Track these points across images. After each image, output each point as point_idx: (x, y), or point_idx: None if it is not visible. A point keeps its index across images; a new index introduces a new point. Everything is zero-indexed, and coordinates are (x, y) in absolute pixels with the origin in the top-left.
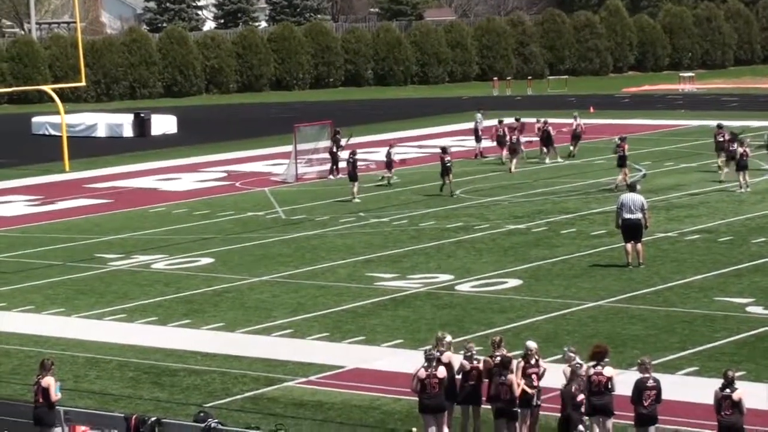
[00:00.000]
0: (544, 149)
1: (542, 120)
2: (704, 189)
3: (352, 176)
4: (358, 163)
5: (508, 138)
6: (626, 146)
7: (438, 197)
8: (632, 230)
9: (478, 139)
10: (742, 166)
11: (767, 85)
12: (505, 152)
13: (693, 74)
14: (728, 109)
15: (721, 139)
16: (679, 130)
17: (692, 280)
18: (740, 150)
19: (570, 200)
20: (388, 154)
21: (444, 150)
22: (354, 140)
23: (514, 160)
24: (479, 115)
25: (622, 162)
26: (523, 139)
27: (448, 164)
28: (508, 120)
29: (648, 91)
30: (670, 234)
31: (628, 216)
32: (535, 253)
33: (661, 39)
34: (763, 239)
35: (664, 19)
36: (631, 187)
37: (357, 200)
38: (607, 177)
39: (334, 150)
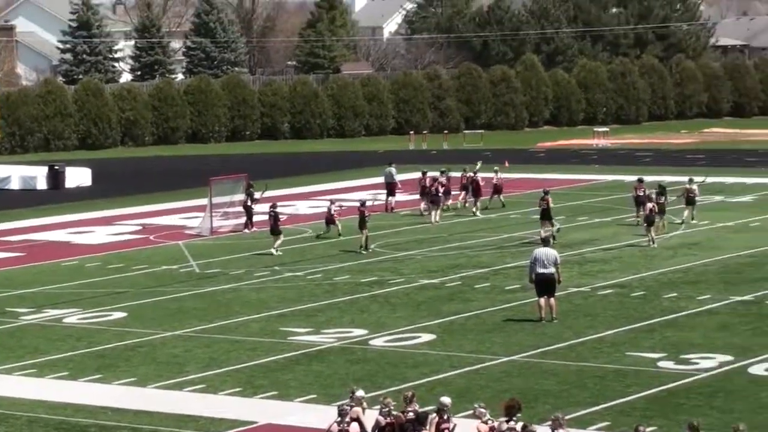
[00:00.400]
0: (471, 199)
1: (470, 172)
2: (617, 244)
3: (274, 230)
4: (280, 216)
5: (431, 189)
6: (550, 200)
7: (352, 252)
8: (545, 285)
9: (390, 193)
10: (650, 221)
11: (680, 140)
12: (423, 204)
13: (607, 129)
14: (642, 164)
15: (641, 194)
16: (593, 185)
17: (605, 335)
18: (650, 205)
19: (484, 254)
20: (329, 210)
21: (362, 203)
22: (269, 193)
23: (437, 212)
24: (392, 169)
25: (545, 215)
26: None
27: (366, 218)
28: (433, 173)
29: (563, 145)
30: (583, 288)
31: (541, 270)
32: (449, 308)
33: (576, 94)
34: (674, 294)
35: (579, 74)
36: (545, 242)
37: (279, 253)
38: (522, 231)
39: (248, 203)
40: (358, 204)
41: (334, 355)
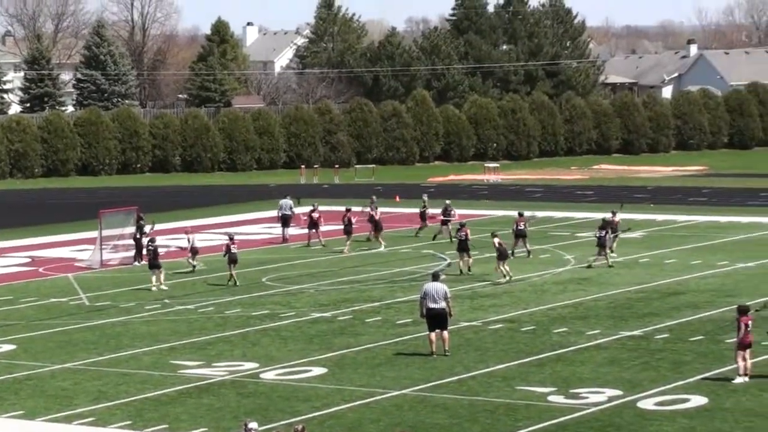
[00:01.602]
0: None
1: (371, 205)
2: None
3: (153, 264)
4: (159, 250)
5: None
6: (468, 231)
7: (244, 285)
8: (437, 319)
9: (285, 225)
10: (503, 256)
11: (570, 176)
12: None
13: (498, 165)
14: (532, 199)
15: (522, 227)
16: (482, 220)
17: (495, 369)
18: (496, 240)
19: (376, 288)
20: (191, 241)
21: (231, 238)
22: (160, 226)
23: (348, 243)
24: (289, 201)
25: (463, 246)
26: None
27: (233, 251)
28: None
29: (453, 180)
30: (473, 323)
31: (432, 305)
32: (340, 342)
33: (466, 130)
34: (564, 329)
35: (469, 110)
36: (435, 276)
37: (163, 288)
38: (413, 265)
39: (138, 236)
40: (226, 239)
41: (225, 388)
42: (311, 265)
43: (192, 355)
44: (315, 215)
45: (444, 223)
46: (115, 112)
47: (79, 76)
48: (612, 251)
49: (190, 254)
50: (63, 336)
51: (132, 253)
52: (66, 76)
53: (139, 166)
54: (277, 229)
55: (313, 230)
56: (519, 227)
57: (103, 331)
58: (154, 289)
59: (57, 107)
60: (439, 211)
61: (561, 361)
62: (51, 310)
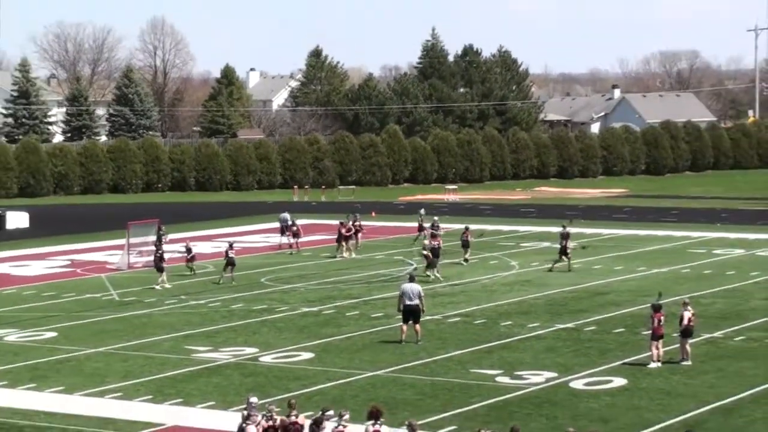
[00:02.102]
0: (344, 245)
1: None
2: (462, 280)
3: (159, 268)
4: (166, 256)
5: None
6: (469, 233)
7: (246, 284)
8: (411, 314)
9: (282, 233)
10: (432, 264)
11: (515, 196)
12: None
13: (456, 187)
14: (484, 215)
15: (466, 238)
16: (444, 232)
17: (453, 355)
18: (424, 252)
19: (355, 288)
20: (190, 250)
21: (230, 245)
22: (176, 235)
23: (347, 249)
24: (286, 215)
25: (465, 245)
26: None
27: (231, 256)
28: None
29: (419, 199)
30: (435, 317)
31: (408, 302)
32: (325, 331)
33: (430, 158)
34: (510, 322)
35: (432, 142)
36: (411, 278)
37: (167, 286)
38: (386, 269)
39: (158, 243)
40: (226, 246)
41: (230, 369)
42: (302, 268)
43: (203, 341)
44: (344, 229)
45: (433, 236)
46: (140, 141)
47: (111, 111)
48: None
49: (189, 261)
50: (96, 325)
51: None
52: (100, 112)
53: (160, 185)
54: (275, 238)
55: (351, 241)
56: (464, 238)
57: (129, 322)
58: (158, 287)
59: (93, 137)
60: (427, 225)
61: (507, 348)
62: (87, 303)
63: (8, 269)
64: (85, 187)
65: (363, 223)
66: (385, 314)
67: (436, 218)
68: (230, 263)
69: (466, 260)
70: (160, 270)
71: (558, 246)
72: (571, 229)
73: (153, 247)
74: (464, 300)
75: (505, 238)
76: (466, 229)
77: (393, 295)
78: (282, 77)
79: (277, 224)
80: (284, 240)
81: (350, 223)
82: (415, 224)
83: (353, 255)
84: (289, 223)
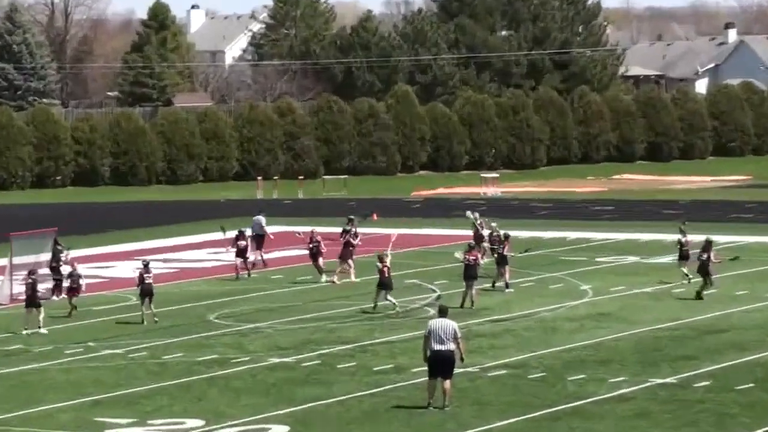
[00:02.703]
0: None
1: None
2: (510, 314)
3: (32, 302)
4: (39, 286)
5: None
6: (508, 244)
7: (187, 325)
8: (442, 364)
9: (258, 246)
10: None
11: (585, 188)
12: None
13: (497, 175)
14: (539, 216)
15: (503, 252)
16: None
17: (496, 426)
18: (380, 265)
19: (349, 327)
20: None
21: (146, 265)
22: (82, 252)
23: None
24: (261, 219)
25: (502, 260)
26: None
27: (147, 282)
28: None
29: (443, 194)
30: (469, 369)
31: (438, 347)
32: (305, 393)
33: (459, 132)
34: (581, 376)
35: (462, 109)
36: (442, 312)
37: (42, 332)
38: (397, 298)
39: (54, 264)
40: (141, 267)
41: None
42: (269, 298)
43: (122, 410)
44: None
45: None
46: (30, 112)
47: None
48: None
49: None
50: None
51: (49, 284)
52: None
53: (59, 178)
54: (229, 255)
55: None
56: (501, 251)
57: (10, 382)
58: (26, 332)
59: None
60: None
61: (578, 415)
62: None
63: None
64: None
65: (359, 230)
66: (395, 366)
67: (494, 224)
68: (146, 293)
69: (506, 285)
70: (34, 305)
71: (676, 260)
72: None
73: (46, 270)
74: (512, 343)
75: (572, 251)
76: (505, 238)
77: (404, 338)
78: (239, 18)
79: (246, 231)
80: (256, 257)
81: (353, 230)
82: (443, 232)
83: (352, 278)
84: (263, 232)
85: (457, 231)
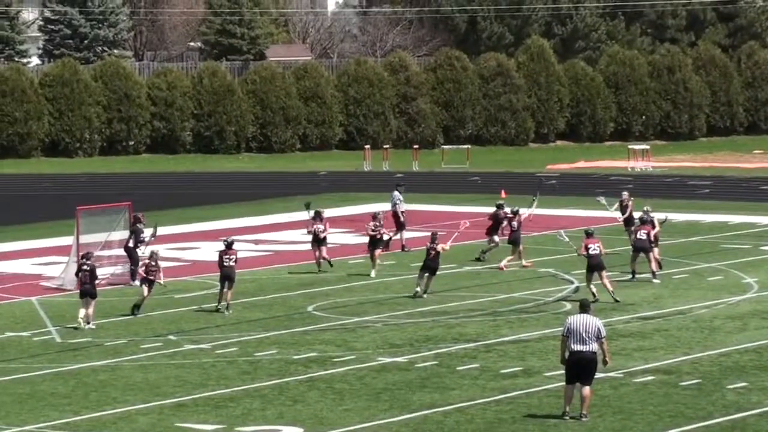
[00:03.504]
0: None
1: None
2: (661, 311)
3: (87, 292)
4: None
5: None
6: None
7: (282, 317)
8: (583, 367)
9: (400, 226)
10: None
11: (752, 164)
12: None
13: (648, 147)
14: (697, 196)
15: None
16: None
17: None
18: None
19: (471, 323)
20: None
21: (228, 245)
22: (163, 231)
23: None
24: (399, 195)
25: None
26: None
27: (228, 264)
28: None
29: (583, 168)
30: (612, 374)
31: (579, 348)
32: (420, 399)
33: (603, 96)
34: (743, 384)
35: (607, 68)
36: (584, 307)
37: (91, 326)
38: (523, 291)
39: (132, 245)
40: (222, 248)
41: None
42: (378, 287)
43: (207, 415)
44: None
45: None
46: (98, 66)
47: (47, 14)
48: None
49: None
50: (23, 386)
51: (124, 268)
52: (29, 15)
53: (132, 143)
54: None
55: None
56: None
57: (80, 380)
58: (90, 326)
59: (15, 59)
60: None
61: (737, 429)
62: (5, 348)
63: None
64: (2, 147)
65: (482, 210)
66: (525, 368)
67: (647, 207)
68: (226, 277)
69: (653, 274)
70: (89, 295)
71: None
72: None
73: (121, 251)
74: (663, 344)
75: (734, 237)
76: (661, 223)
77: (536, 336)
78: None
79: (366, 210)
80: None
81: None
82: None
83: (523, 262)
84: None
85: (600, 212)
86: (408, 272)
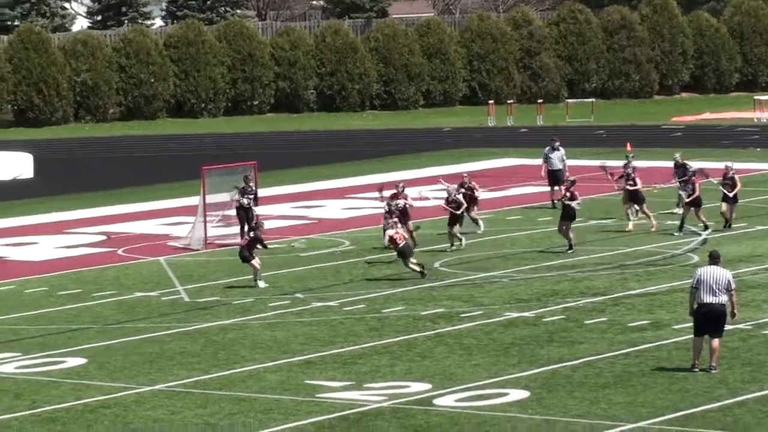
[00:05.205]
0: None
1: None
2: None
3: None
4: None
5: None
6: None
7: (410, 273)
8: (712, 319)
9: (556, 182)
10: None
11: None
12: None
13: None
14: None
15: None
16: (753, 177)
17: None
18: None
19: (598, 277)
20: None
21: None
22: (279, 190)
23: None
24: (558, 145)
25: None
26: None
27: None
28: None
29: (708, 120)
30: (741, 326)
31: (708, 300)
32: (548, 353)
33: (728, 47)
34: None
35: (732, 19)
36: (713, 258)
37: (261, 285)
38: (649, 244)
39: (249, 205)
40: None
41: (385, 419)
42: (504, 242)
43: (335, 372)
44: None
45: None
46: (221, 26)
47: None
48: None
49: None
50: (152, 346)
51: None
52: None
53: (256, 103)
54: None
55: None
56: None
57: (209, 339)
58: (264, 284)
59: (140, 21)
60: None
61: None
62: (135, 308)
63: (3, 251)
64: (126, 108)
65: (609, 163)
66: (654, 322)
67: (729, 164)
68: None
69: (705, 226)
70: (246, 260)
71: None
72: None
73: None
74: None
75: None
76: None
77: (664, 288)
78: None
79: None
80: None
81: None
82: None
83: (653, 221)
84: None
85: (724, 163)
86: (534, 227)
